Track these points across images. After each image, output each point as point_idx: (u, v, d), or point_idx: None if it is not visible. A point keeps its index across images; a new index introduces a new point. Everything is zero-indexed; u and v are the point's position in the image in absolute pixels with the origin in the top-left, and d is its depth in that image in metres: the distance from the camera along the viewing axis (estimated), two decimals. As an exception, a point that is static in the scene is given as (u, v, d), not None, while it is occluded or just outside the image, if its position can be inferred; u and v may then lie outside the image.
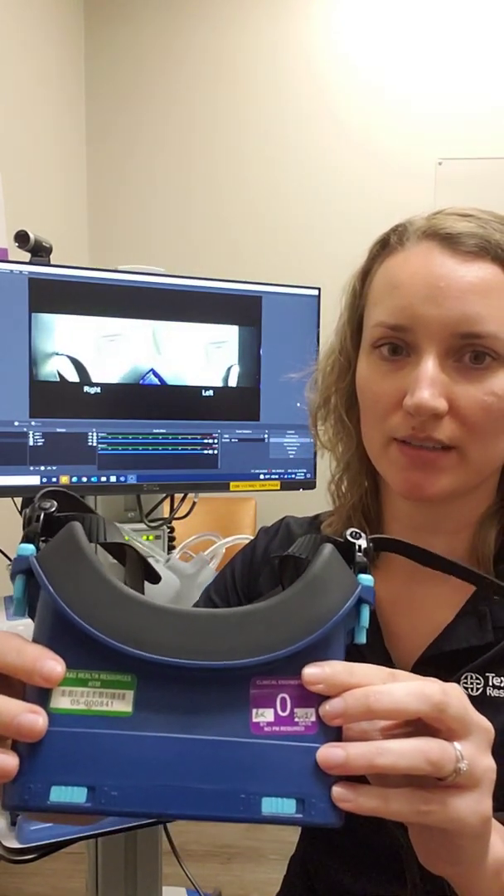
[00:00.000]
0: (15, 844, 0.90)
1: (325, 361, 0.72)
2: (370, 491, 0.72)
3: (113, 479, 1.13)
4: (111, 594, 0.39)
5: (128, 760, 0.35)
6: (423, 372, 0.58)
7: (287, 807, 0.36)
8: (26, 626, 1.10)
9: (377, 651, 0.67)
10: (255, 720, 0.37)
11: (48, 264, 1.13)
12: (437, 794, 0.39)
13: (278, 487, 1.23)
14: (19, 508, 1.34)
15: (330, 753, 0.37)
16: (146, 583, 0.52)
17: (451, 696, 0.39)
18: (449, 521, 0.67)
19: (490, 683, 0.64)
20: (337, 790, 0.37)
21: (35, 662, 0.37)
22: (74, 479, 1.11)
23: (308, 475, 1.25)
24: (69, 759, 0.35)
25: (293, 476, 1.24)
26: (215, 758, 0.36)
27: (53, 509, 0.43)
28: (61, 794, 0.34)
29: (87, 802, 0.34)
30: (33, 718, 0.35)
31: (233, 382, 1.19)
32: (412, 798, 0.38)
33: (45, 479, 1.09)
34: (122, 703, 0.37)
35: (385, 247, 0.66)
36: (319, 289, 1.22)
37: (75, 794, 0.34)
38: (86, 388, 1.11)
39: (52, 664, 0.37)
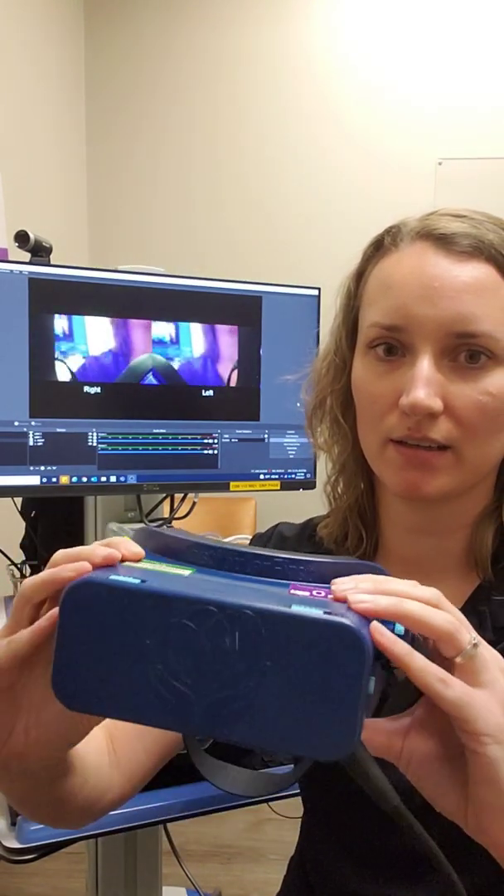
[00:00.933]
0: (15, 844, 0.90)
1: (320, 363, 0.72)
2: (366, 492, 0.72)
3: (113, 479, 1.13)
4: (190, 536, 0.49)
5: (177, 579, 0.42)
6: (418, 371, 0.58)
7: (315, 611, 0.38)
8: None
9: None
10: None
11: (48, 264, 1.13)
12: (454, 678, 0.41)
13: (278, 487, 1.23)
14: (19, 508, 1.34)
15: (358, 595, 0.41)
16: None
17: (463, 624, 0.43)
18: (445, 522, 0.67)
19: None
20: (375, 623, 0.39)
21: (121, 543, 0.45)
22: (74, 479, 1.11)
23: (308, 475, 1.25)
24: (129, 573, 0.42)
25: (293, 476, 1.24)
26: (254, 591, 0.42)
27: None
28: (118, 580, 0.40)
29: (139, 585, 0.40)
30: (113, 550, 0.44)
31: (233, 382, 1.19)
32: (435, 667, 0.41)
33: (45, 479, 1.09)
34: (180, 572, 0.44)
35: (379, 248, 0.66)
36: (319, 289, 1.22)
37: (129, 581, 0.40)
38: (86, 388, 1.11)
39: (136, 546, 0.45)
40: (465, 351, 0.59)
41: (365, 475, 0.71)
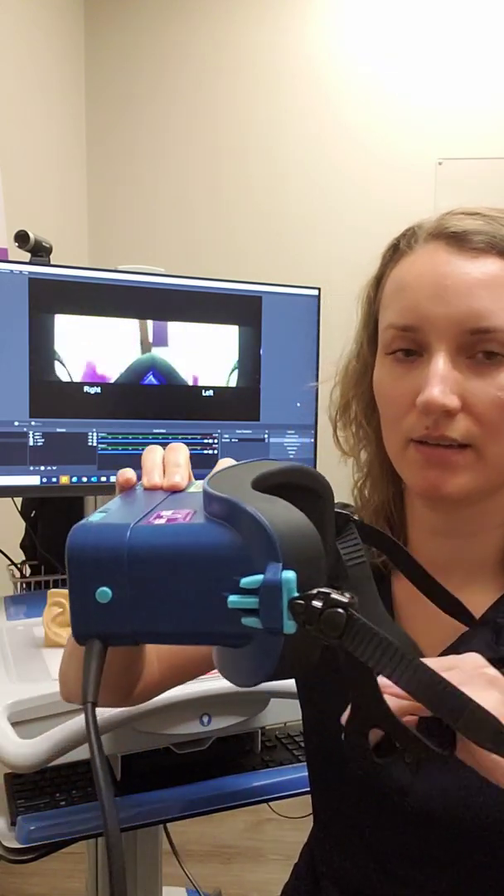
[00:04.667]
0: (15, 844, 0.89)
1: (343, 369, 0.72)
2: (392, 496, 0.72)
3: (113, 479, 1.13)
4: None
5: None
6: (433, 369, 0.58)
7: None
8: (25, 625, 1.10)
9: None
10: None
11: (48, 264, 1.13)
12: None
13: (278, 487, 1.23)
14: (19, 508, 1.34)
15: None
16: None
17: None
18: (470, 524, 0.66)
19: None
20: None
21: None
22: (74, 479, 1.11)
23: (308, 475, 1.25)
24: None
25: (293, 476, 1.24)
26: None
27: None
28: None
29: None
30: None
31: (233, 382, 1.19)
32: None
33: (45, 479, 1.09)
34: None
35: (395, 252, 0.66)
36: (319, 289, 1.22)
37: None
38: (86, 388, 1.11)
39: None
40: (481, 348, 0.59)
41: (391, 479, 0.71)
